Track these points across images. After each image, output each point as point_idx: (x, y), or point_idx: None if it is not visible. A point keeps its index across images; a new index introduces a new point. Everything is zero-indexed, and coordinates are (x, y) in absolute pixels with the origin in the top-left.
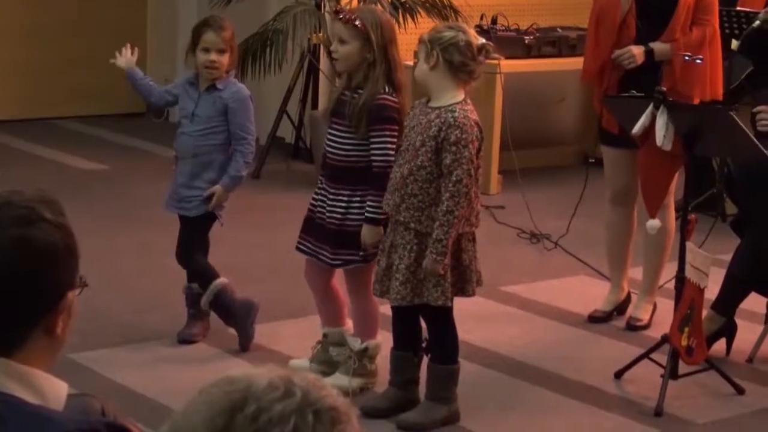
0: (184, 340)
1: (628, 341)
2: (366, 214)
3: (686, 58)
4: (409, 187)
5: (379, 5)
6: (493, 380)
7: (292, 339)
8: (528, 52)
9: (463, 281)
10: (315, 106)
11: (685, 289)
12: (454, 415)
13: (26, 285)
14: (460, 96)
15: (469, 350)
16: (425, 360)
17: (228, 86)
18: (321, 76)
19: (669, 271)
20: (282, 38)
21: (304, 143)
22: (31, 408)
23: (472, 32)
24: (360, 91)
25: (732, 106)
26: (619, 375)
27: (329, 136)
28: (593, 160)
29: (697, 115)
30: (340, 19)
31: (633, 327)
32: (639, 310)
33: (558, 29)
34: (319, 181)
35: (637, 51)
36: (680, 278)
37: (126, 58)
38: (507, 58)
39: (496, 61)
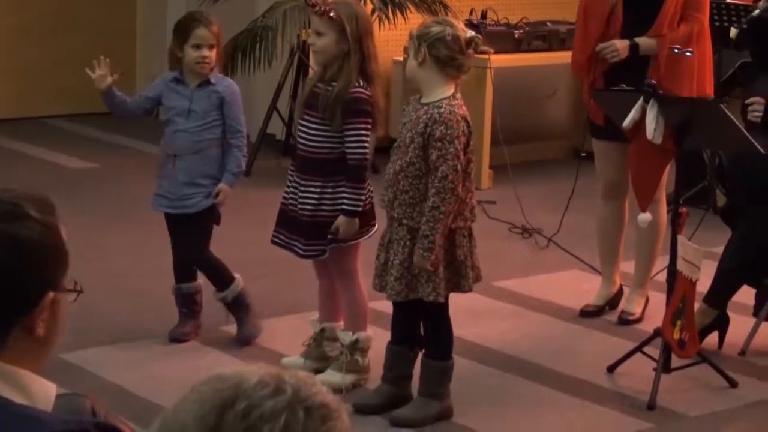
0: (176, 338)
1: (620, 335)
2: (343, 206)
3: (675, 50)
4: (401, 183)
5: (368, 1)
6: (486, 375)
7: (284, 336)
8: (518, 47)
9: (459, 277)
10: None
11: (677, 283)
12: (448, 410)
13: (6, 281)
14: (450, 91)
15: (461, 346)
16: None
17: (220, 80)
18: (311, 72)
19: (661, 265)
20: (271, 35)
21: (294, 139)
22: (18, 408)
23: (461, 26)
24: (334, 83)
25: (722, 98)
26: (611, 369)
27: (301, 128)
28: (584, 154)
29: (687, 108)
30: (315, 11)
31: (625, 321)
32: (631, 304)
33: (548, 23)
34: (289, 173)
35: (621, 45)
36: (672, 271)
37: (99, 74)
38: (497, 52)
39: (486, 56)
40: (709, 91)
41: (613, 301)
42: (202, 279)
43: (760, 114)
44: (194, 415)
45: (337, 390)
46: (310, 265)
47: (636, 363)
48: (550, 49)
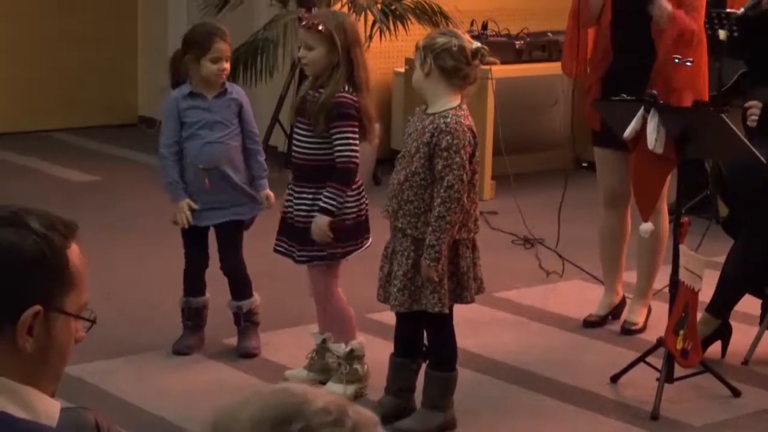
0: (180, 351)
1: (623, 345)
2: (320, 203)
3: (676, 60)
4: (405, 193)
5: (368, 12)
6: (489, 386)
7: (287, 348)
8: (519, 57)
9: (461, 288)
10: None
11: (679, 292)
12: (451, 422)
13: None
14: (456, 101)
15: (464, 357)
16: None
17: (232, 87)
18: None
19: (663, 275)
20: (272, 47)
21: None
22: (23, 424)
23: (467, 37)
24: (321, 90)
25: (723, 107)
26: (615, 379)
27: (295, 136)
28: (586, 164)
29: (688, 118)
30: (303, 25)
31: (628, 331)
32: (634, 314)
33: (548, 33)
34: (288, 182)
35: None
36: (674, 281)
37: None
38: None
39: (488, 66)
40: (706, 94)
41: (615, 311)
42: (209, 293)
43: (757, 118)
44: (252, 419)
45: None
46: (306, 276)
47: (639, 373)
48: (550, 60)
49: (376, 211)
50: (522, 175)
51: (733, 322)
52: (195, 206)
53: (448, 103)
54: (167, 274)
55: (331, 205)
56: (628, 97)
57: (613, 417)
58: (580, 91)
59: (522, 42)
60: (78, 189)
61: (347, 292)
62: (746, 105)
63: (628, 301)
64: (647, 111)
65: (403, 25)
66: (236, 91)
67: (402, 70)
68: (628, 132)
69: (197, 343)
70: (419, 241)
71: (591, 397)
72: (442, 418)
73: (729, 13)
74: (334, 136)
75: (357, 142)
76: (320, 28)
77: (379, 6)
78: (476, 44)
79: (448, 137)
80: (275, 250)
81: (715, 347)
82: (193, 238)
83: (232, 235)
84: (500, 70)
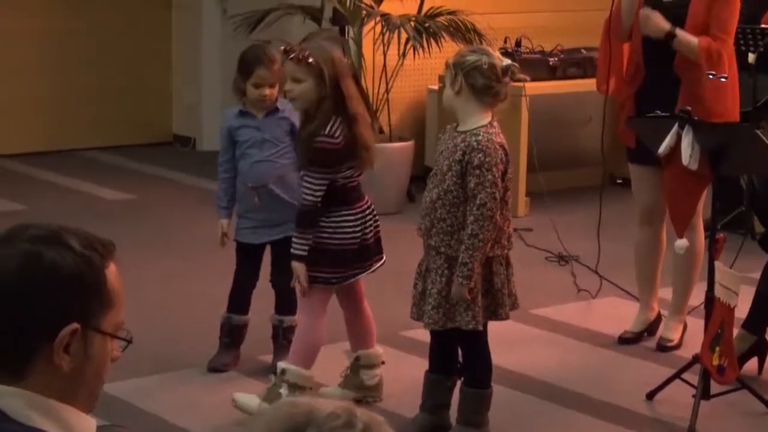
0: (215, 368)
1: (658, 362)
2: (291, 249)
3: (710, 76)
4: (438, 211)
5: (402, 30)
6: (525, 403)
7: (322, 366)
8: (553, 74)
9: (495, 305)
10: None
11: (714, 309)
12: None
13: (24, 301)
14: (486, 119)
15: (499, 374)
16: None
17: (284, 106)
18: None
19: (699, 291)
20: None
21: None
22: None
23: (497, 54)
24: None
25: (758, 123)
26: (650, 396)
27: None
28: (620, 181)
29: (722, 134)
30: (292, 58)
31: (663, 347)
32: (669, 331)
33: (582, 50)
34: None
35: (655, 19)
36: (710, 297)
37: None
38: (532, 80)
39: (521, 84)
40: (736, 115)
41: (651, 328)
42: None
43: None
44: None
45: None
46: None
47: (675, 390)
48: (584, 76)
49: (410, 228)
50: (556, 191)
51: None
52: (224, 229)
53: (479, 120)
54: (202, 292)
55: (298, 249)
56: (662, 114)
57: None
58: (614, 107)
59: (556, 59)
60: (113, 207)
61: (380, 310)
62: None
63: (663, 317)
64: (681, 127)
65: (437, 43)
66: (288, 109)
67: (435, 87)
68: (663, 148)
69: (233, 361)
70: (453, 259)
71: (627, 414)
72: None
73: (764, 29)
74: (304, 178)
75: (320, 187)
76: (310, 60)
77: (412, 24)
78: (506, 61)
79: (480, 155)
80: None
81: (752, 363)
82: (247, 256)
83: (287, 250)
84: (534, 87)
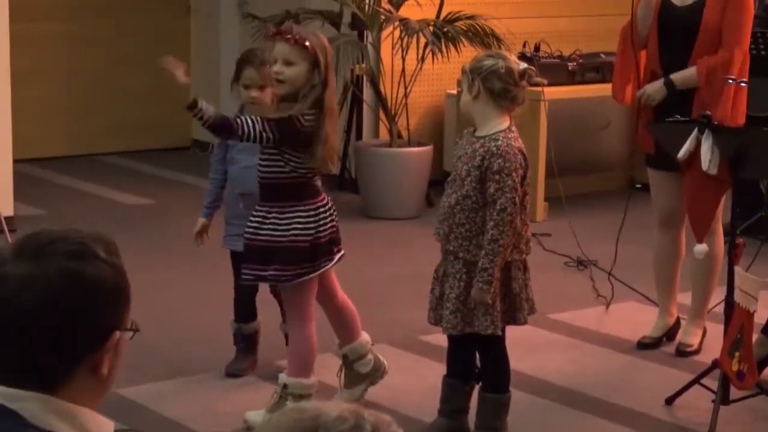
0: (232, 373)
1: (678, 367)
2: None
3: (729, 81)
4: (457, 216)
5: (421, 35)
6: (543, 408)
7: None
8: (572, 79)
9: (514, 309)
10: (360, 136)
11: (734, 314)
12: None
13: (72, 319)
14: (505, 123)
15: (518, 378)
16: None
17: None
18: (365, 106)
19: (718, 296)
20: None
21: (349, 174)
22: None
23: (513, 58)
24: (283, 102)
25: None
26: (670, 401)
27: (260, 157)
28: (639, 186)
29: (742, 139)
30: (287, 39)
31: (683, 352)
32: (688, 336)
33: (601, 55)
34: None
35: (653, 89)
36: (729, 303)
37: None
38: (550, 84)
39: (540, 88)
40: (743, 119)
41: (670, 333)
42: (261, 315)
43: None
44: None
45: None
46: (357, 299)
47: (694, 395)
48: (603, 81)
49: (429, 233)
50: (575, 196)
51: None
52: (198, 227)
53: (497, 125)
54: (220, 297)
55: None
56: (682, 119)
57: None
58: (634, 112)
59: (575, 63)
60: (131, 212)
61: (398, 314)
62: None
63: (682, 322)
64: (701, 132)
65: (456, 48)
66: None
67: (454, 92)
68: (682, 153)
69: (250, 365)
70: (471, 263)
71: (646, 419)
72: None
73: None
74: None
75: (270, 132)
76: (306, 44)
77: (431, 28)
78: (523, 65)
79: (500, 160)
80: (276, 281)
81: None
82: (239, 264)
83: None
84: (553, 92)
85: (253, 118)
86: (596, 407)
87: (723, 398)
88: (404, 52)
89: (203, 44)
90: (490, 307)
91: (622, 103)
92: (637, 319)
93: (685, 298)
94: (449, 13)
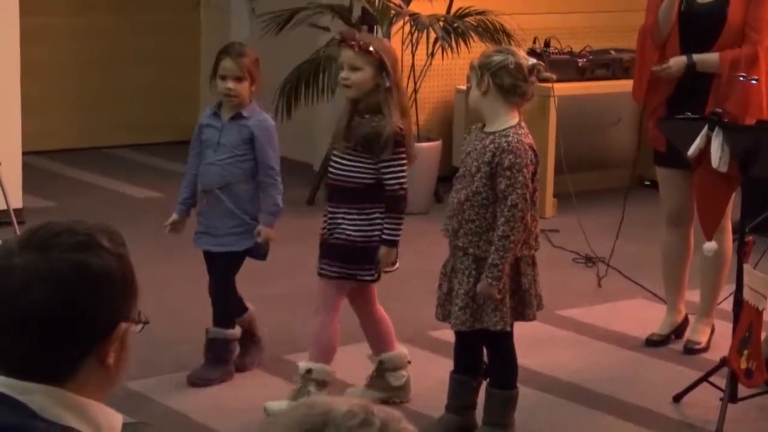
0: (239, 367)
1: (686, 364)
2: (383, 236)
3: (741, 78)
4: (466, 212)
5: (431, 30)
6: (550, 404)
7: (348, 365)
8: (581, 75)
9: (523, 305)
10: None
11: (743, 312)
12: None
13: (79, 310)
14: (515, 119)
15: (525, 375)
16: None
17: (254, 114)
18: None
19: (726, 292)
20: (334, 64)
21: None
22: None
23: (522, 54)
24: (367, 116)
25: None
26: (677, 398)
27: (335, 159)
28: (648, 183)
29: (752, 136)
30: (352, 45)
31: (691, 350)
32: (697, 333)
33: (611, 51)
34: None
35: (675, 63)
36: (738, 300)
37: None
38: (560, 81)
39: (549, 84)
40: (764, 115)
41: (678, 330)
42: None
43: None
44: None
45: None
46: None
47: (702, 392)
48: (613, 77)
49: (437, 229)
50: (584, 193)
51: None
52: (172, 219)
53: (507, 121)
54: None
55: (394, 235)
56: (693, 116)
57: None
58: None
59: (585, 60)
60: (140, 205)
61: (406, 310)
62: None
63: (691, 320)
64: (711, 129)
65: (465, 43)
66: (258, 119)
67: (464, 87)
68: (692, 150)
69: (256, 358)
70: (481, 259)
71: (653, 416)
72: None
73: None
74: (386, 165)
75: (403, 170)
76: (371, 48)
77: (441, 24)
78: (532, 60)
79: (511, 156)
80: (319, 274)
81: None
82: (210, 262)
83: (222, 264)
84: (562, 88)
85: (389, 175)
86: (604, 404)
87: (731, 396)
88: (414, 48)
89: (213, 39)
90: (499, 303)
91: (640, 104)
92: (644, 316)
93: (693, 295)
94: (459, 9)
